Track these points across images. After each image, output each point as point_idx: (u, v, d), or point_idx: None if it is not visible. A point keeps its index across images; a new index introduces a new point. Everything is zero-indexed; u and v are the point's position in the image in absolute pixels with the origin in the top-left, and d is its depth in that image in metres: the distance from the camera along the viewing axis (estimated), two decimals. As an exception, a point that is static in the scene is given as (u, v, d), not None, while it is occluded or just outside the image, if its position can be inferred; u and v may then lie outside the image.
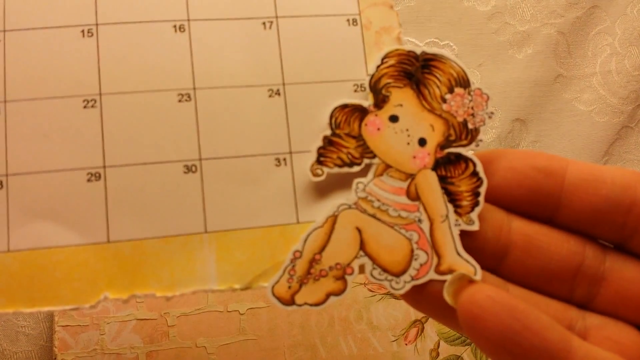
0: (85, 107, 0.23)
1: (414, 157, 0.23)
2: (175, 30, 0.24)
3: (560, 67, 0.51)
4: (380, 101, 0.24)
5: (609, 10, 0.53)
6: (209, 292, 0.23)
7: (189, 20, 0.24)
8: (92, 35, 0.24)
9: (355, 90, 0.25)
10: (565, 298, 0.22)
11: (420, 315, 0.42)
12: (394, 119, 0.24)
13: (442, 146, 0.23)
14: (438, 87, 0.24)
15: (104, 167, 0.23)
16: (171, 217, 0.23)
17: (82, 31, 0.23)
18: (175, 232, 0.23)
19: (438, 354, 0.42)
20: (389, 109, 0.24)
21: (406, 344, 0.42)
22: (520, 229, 0.22)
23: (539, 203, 0.22)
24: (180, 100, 0.24)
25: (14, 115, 0.23)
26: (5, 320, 0.41)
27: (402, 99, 0.24)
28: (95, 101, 0.23)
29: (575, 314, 0.22)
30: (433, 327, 0.43)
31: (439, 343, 0.42)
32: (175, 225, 0.23)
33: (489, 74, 0.50)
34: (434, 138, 0.23)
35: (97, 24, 0.24)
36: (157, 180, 0.23)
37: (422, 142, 0.23)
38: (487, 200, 0.23)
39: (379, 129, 0.23)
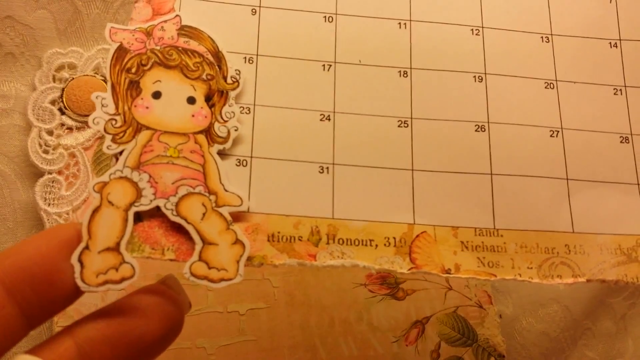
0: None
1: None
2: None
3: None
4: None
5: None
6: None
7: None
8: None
9: None
10: None
11: (421, 316, 0.42)
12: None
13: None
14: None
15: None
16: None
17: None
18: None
19: (439, 355, 0.42)
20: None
21: (407, 345, 0.42)
22: None
23: None
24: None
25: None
26: (5, 321, 0.41)
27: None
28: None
29: None
30: (434, 328, 0.42)
31: (439, 344, 0.42)
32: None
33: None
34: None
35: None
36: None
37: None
38: None
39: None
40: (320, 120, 0.29)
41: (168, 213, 0.26)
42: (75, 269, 0.24)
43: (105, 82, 0.43)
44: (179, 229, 0.26)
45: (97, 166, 0.42)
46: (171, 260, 0.26)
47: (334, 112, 0.29)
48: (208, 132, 0.27)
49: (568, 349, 0.49)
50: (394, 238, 0.28)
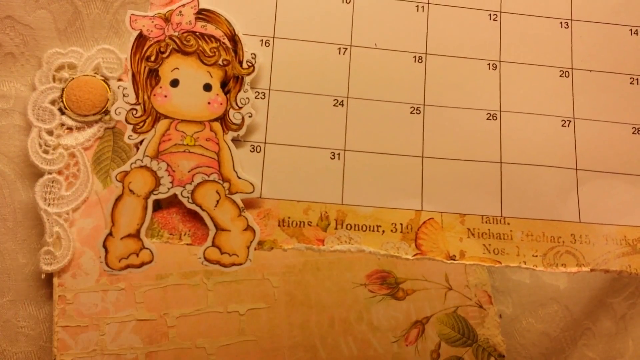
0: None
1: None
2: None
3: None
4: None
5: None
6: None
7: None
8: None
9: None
10: None
11: (421, 316, 0.42)
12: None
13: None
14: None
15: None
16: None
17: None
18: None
19: (439, 355, 0.42)
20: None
21: (407, 345, 0.42)
22: None
23: None
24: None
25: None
26: (5, 321, 0.41)
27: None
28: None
29: None
30: (434, 328, 0.42)
31: (439, 344, 0.42)
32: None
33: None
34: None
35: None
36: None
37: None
38: None
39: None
40: (334, 105, 0.29)
41: (184, 200, 0.28)
42: (100, 254, 0.27)
43: (105, 82, 0.43)
44: (194, 215, 0.28)
45: (97, 166, 0.42)
46: (188, 245, 0.28)
47: (348, 97, 0.30)
48: (223, 119, 0.28)
49: (568, 349, 0.49)
50: (401, 224, 0.29)
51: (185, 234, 0.28)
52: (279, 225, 0.28)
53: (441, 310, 0.43)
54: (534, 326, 0.48)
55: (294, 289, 0.41)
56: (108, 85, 0.43)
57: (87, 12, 0.44)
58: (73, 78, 0.42)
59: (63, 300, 0.39)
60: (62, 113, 0.42)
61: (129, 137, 0.28)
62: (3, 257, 0.41)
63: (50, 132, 0.42)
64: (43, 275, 0.40)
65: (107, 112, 0.42)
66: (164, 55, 0.28)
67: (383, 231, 0.29)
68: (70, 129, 0.42)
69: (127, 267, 0.27)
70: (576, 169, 0.30)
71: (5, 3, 0.42)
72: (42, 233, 0.40)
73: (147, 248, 0.27)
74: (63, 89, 0.42)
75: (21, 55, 0.43)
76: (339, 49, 0.30)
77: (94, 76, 0.43)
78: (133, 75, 0.28)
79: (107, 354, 0.39)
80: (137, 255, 0.27)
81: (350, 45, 0.30)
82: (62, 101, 0.42)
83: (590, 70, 0.31)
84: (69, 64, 0.43)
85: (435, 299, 0.43)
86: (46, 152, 0.41)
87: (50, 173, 0.41)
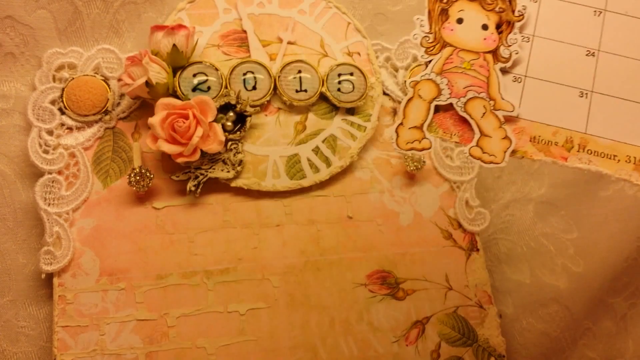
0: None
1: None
2: None
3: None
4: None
5: None
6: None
7: None
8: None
9: None
10: None
11: (421, 316, 0.42)
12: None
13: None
14: None
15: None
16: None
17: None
18: None
19: (439, 355, 0.42)
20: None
21: (407, 345, 0.42)
22: None
23: None
24: None
25: None
26: (5, 321, 0.41)
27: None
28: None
29: None
30: (434, 328, 0.42)
31: (439, 344, 0.42)
32: None
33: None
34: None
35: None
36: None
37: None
38: None
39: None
40: (586, 55, 0.36)
41: (458, 109, 0.37)
42: (392, 138, 0.38)
43: (105, 82, 0.43)
44: (464, 121, 0.37)
45: (97, 166, 0.42)
46: (456, 143, 0.38)
47: (599, 50, 0.36)
48: (494, 52, 0.37)
49: (568, 349, 0.49)
50: (635, 157, 0.35)
51: (454, 134, 0.37)
52: (530, 141, 0.36)
53: (441, 310, 0.43)
54: (534, 326, 0.48)
55: (294, 289, 0.41)
56: (108, 85, 0.43)
57: (87, 12, 0.44)
58: (73, 78, 0.42)
59: (63, 300, 0.39)
60: (62, 113, 0.42)
61: (421, 57, 0.38)
62: (3, 257, 0.41)
63: (50, 132, 0.42)
64: (43, 275, 0.40)
65: (107, 112, 0.42)
66: None
67: (618, 160, 0.35)
68: (70, 129, 0.42)
69: (412, 149, 0.38)
70: None
71: (5, 3, 0.42)
72: (42, 233, 0.40)
73: (427, 138, 0.37)
74: (63, 89, 0.42)
75: (21, 55, 0.43)
76: (595, 11, 0.37)
77: (94, 76, 0.43)
78: (429, 12, 0.38)
79: (107, 354, 0.39)
80: (420, 142, 0.38)
81: (605, 10, 0.37)
82: (62, 101, 0.42)
83: None
84: (69, 64, 0.43)
85: (435, 299, 0.43)
86: (46, 152, 0.41)
87: (50, 173, 0.41)
